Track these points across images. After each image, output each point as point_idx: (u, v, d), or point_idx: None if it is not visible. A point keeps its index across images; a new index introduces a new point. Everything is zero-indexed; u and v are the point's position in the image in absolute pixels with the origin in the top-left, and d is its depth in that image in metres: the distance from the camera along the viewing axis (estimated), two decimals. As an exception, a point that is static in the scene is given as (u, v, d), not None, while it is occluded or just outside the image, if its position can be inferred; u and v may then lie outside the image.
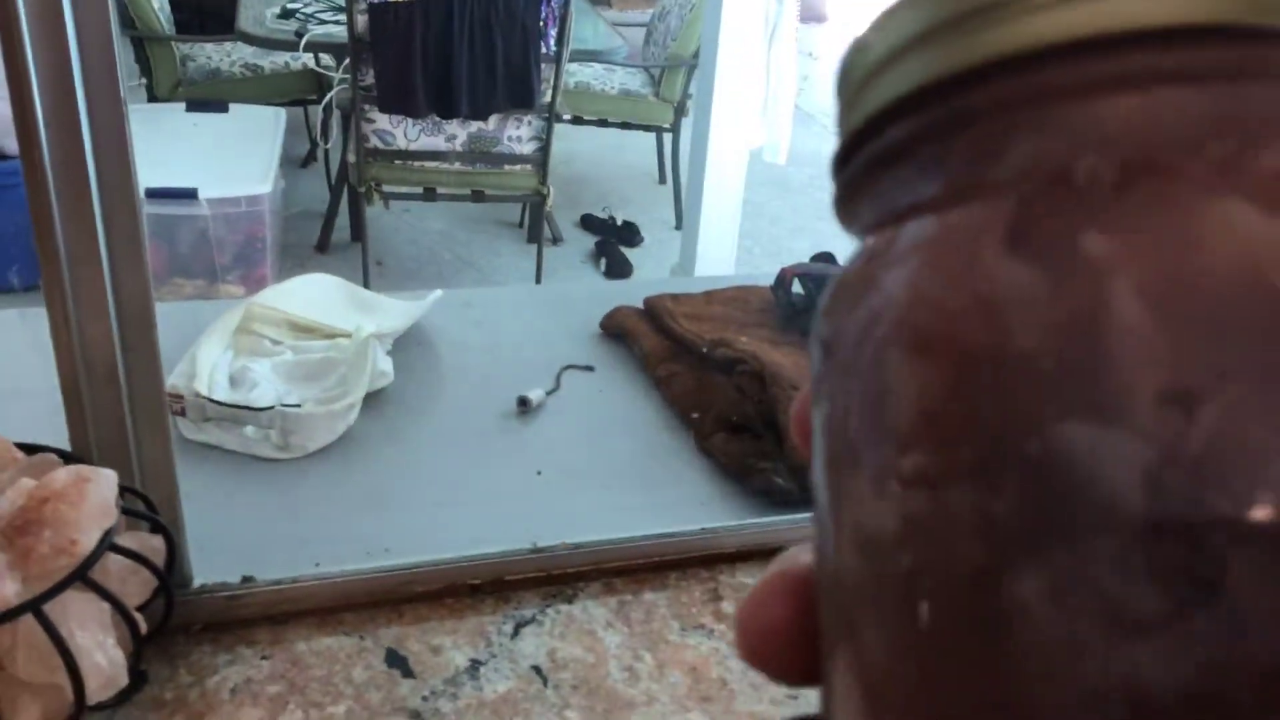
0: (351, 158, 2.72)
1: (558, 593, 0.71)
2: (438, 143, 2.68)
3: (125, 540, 0.53)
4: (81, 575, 0.48)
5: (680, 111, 3.37)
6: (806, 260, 1.12)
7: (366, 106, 2.59)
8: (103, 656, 0.49)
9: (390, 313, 1.03)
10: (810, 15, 4.45)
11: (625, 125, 3.43)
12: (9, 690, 0.47)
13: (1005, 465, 0.16)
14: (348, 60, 2.61)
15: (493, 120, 2.66)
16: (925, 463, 0.17)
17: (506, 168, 2.75)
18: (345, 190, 3.01)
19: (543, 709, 0.62)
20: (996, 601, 0.16)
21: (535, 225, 3.11)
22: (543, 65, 2.58)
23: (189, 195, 2.46)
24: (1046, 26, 0.18)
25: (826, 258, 1.13)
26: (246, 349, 0.96)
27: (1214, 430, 0.14)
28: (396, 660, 0.65)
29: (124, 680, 0.50)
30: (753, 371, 0.91)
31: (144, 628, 0.52)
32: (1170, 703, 0.14)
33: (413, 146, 2.68)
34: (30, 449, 0.56)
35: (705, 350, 0.97)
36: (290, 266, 2.81)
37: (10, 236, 2.47)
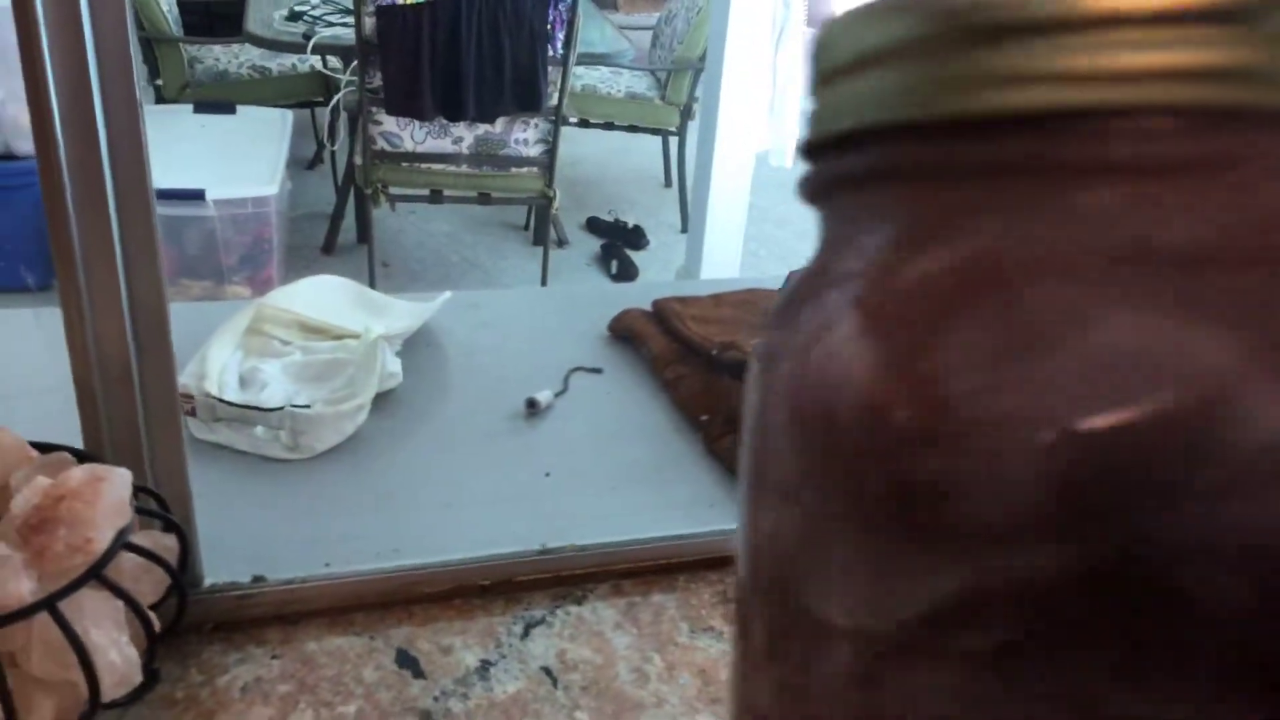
0: (358, 160, 2.72)
1: (567, 594, 0.71)
2: (444, 145, 2.69)
3: (139, 539, 0.53)
4: (96, 573, 0.49)
5: (686, 115, 3.38)
6: (814, 264, 1.12)
7: (374, 109, 2.60)
8: (117, 654, 0.49)
9: (399, 314, 1.03)
10: (817, 19, 4.45)
11: (632, 128, 3.44)
12: (23, 687, 0.47)
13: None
14: (355, 63, 2.61)
15: (499, 123, 2.67)
16: (749, 488, 0.20)
17: (513, 170, 2.75)
18: (352, 192, 3.02)
19: (553, 710, 0.62)
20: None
21: (541, 228, 3.12)
22: (550, 68, 2.58)
23: (196, 196, 2.47)
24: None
25: (834, 261, 1.13)
26: (256, 350, 0.97)
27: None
28: (407, 660, 0.65)
29: (138, 678, 0.51)
30: (761, 374, 0.91)
31: (158, 626, 0.52)
32: None
33: (419, 149, 2.68)
34: (44, 447, 0.56)
35: (715, 353, 0.97)
36: (296, 268, 2.81)
37: (22, 236, 2.48)
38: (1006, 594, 0.14)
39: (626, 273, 3.15)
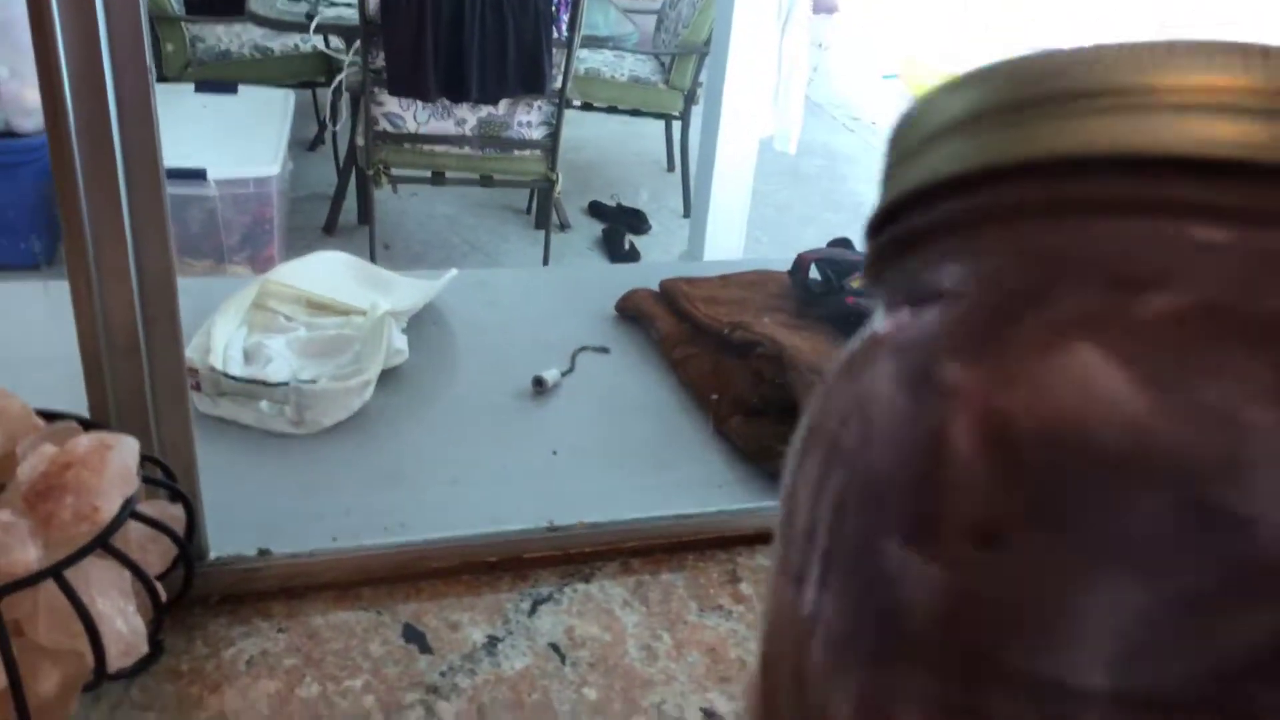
0: (360, 140, 2.71)
1: (575, 572, 0.71)
2: (447, 127, 2.67)
3: (145, 508, 0.52)
4: (103, 542, 0.48)
5: (690, 99, 3.36)
6: (823, 246, 1.11)
7: (376, 89, 2.58)
8: (124, 624, 0.49)
9: (405, 291, 1.03)
10: (822, 6, 4.44)
11: (635, 112, 3.43)
12: (29, 656, 0.46)
13: (834, 571, 0.16)
14: (358, 42, 2.60)
15: (503, 105, 2.65)
16: (789, 558, 0.18)
17: (516, 153, 2.74)
18: (353, 173, 3.00)
19: (560, 686, 0.62)
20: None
21: (543, 211, 3.10)
22: (554, 50, 2.57)
23: (198, 176, 2.45)
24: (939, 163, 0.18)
25: (843, 243, 1.12)
26: (261, 325, 0.96)
27: (1009, 576, 0.14)
28: (414, 635, 0.64)
29: (144, 648, 0.50)
30: (771, 354, 0.90)
31: (164, 596, 0.52)
32: None
33: (422, 130, 2.67)
34: (51, 416, 0.56)
35: (726, 333, 0.97)
36: (297, 248, 2.80)
37: (26, 212, 2.47)
38: None
39: (629, 257, 3.14)
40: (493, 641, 0.65)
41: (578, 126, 3.46)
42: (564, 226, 3.28)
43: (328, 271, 1.03)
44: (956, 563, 0.14)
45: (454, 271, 1.04)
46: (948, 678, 0.14)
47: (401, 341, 0.94)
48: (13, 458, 0.52)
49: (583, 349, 0.99)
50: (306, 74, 3.31)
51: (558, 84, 2.63)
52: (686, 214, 3.40)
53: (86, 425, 0.55)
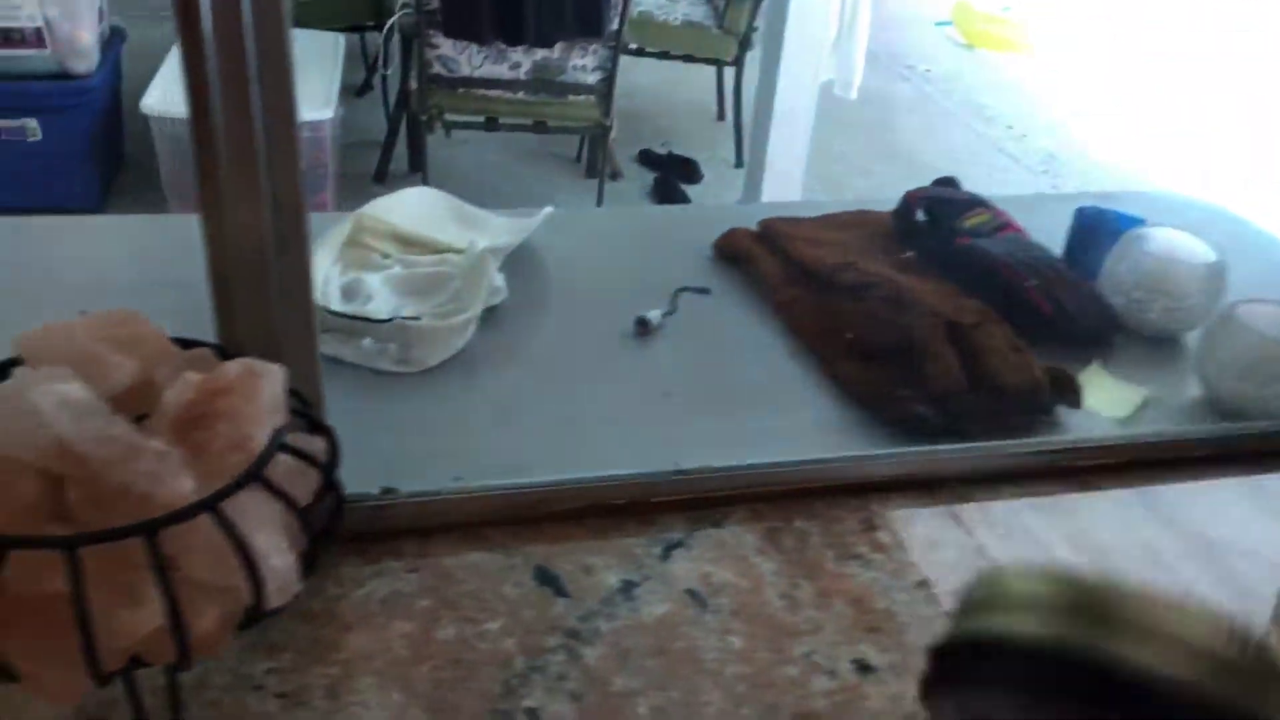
0: (414, 85, 2.67)
1: (704, 517, 0.68)
2: (501, 71, 2.62)
3: (290, 440, 0.50)
4: (257, 473, 0.46)
5: (744, 45, 3.28)
6: (928, 185, 1.07)
7: (431, 31, 2.54)
8: (280, 560, 0.46)
9: (499, 229, 1.00)
10: (878, -52, 4.31)
11: (688, 58, 3.35)
12: (185, 592, 0.44)
13: None
14: (413, -17, 2.54)
15: (557, 49, 2.60)
16: None
17: (570, 98, 2.69)
18: (404, 119, 2.96)
19: (704, 634, 0.59)
20: None
21: (595, 159, 3.05)
22: (612, -10, 2.51)
23: (253, 118, 2.42)
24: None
25: (948, 182, 1.08)
26: (356, 262, 0.93)
27: None
28: (548, 578, 0.62)
29: (297, 586, 0.48)
30: (889, 295, 0.87)
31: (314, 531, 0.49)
32: None
33: (477, 74, 2.62)
34: (184, 343, 0.53)
35: (833, 274, 0.93)
36: (347, 196, 2.77)
37: (77, 155, 2.45)
38: None
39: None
40: (628, 586, 0.62)
41: (627, 72, 3.39)
42: (615, 175, 3.23)
43: (421, 207, 1.00)
44: None
45: (549, 209, 1.00)
46: None
47: (500, 280, 0.91)
48: (153, 385, 0.50)
49: (683, 289, 0.96)
50: (355, 17, 3.26)
51: (614, 26, 2.57)
52: (738, 164, 3.33)
53: (222, 353, 0.53)
